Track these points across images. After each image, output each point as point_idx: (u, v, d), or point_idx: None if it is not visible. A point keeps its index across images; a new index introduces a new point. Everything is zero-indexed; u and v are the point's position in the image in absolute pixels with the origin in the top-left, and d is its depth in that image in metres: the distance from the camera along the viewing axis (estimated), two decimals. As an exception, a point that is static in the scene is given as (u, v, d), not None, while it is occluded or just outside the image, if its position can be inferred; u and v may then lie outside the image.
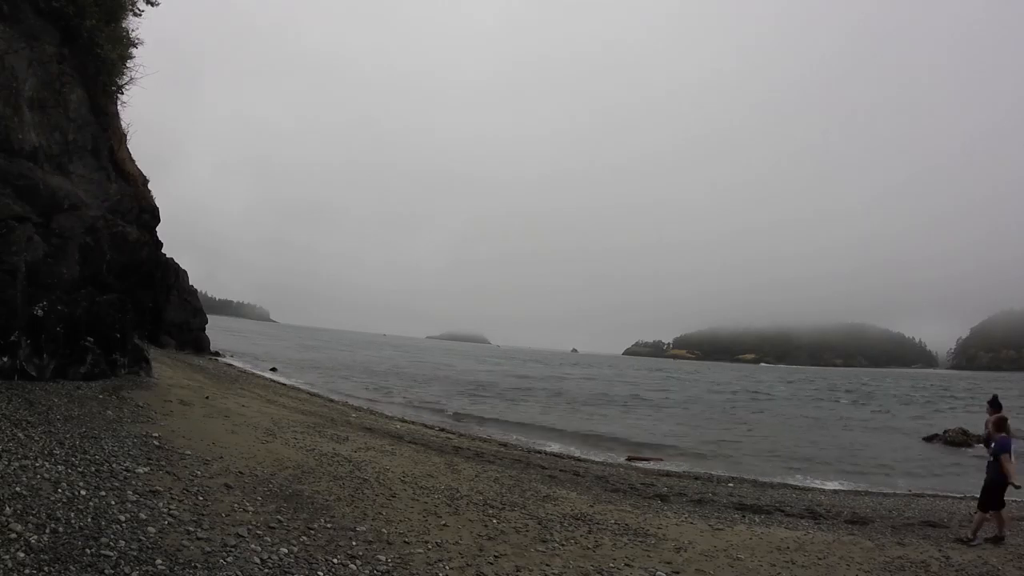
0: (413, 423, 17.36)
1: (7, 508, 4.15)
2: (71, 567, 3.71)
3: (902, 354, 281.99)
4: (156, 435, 6.93)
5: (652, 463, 15.74)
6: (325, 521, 5.49)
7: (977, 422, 28.13)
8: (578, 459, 14.91)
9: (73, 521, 4.26)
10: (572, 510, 7.48)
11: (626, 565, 5.68)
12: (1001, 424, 7.94)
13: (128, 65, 11.45)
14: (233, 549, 4.47)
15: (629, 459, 16.28)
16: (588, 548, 6.03)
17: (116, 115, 11.68)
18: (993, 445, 7.91)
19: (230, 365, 27.93)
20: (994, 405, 8.54)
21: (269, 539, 4.82)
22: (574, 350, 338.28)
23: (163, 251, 14.14)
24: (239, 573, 4.15)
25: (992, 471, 7.80)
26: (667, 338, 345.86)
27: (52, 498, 4.52)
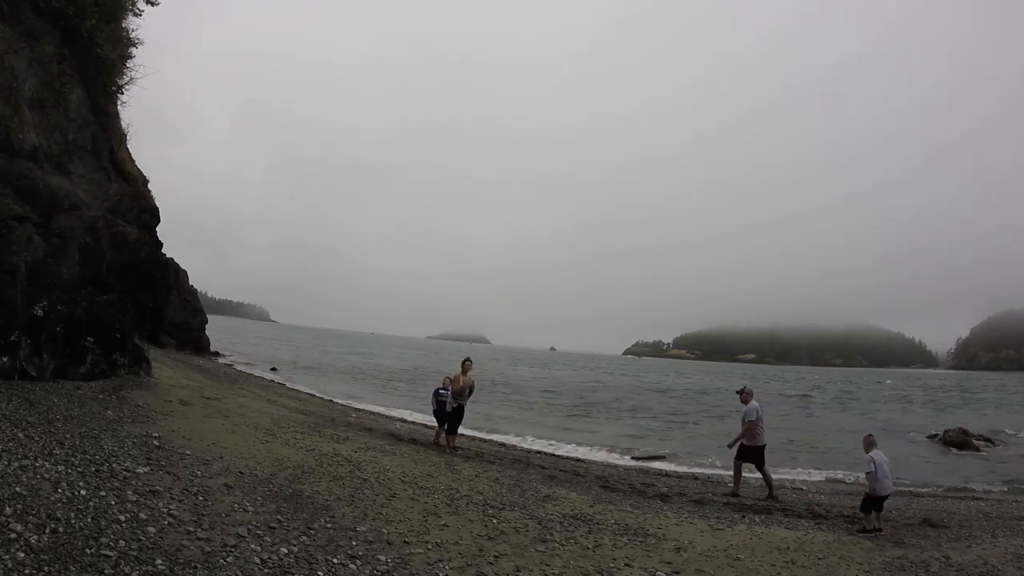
0: (413, 423, 17.36)
1: (7, 508, 4.15)
2: (71, 567, 3.71)
3: (902, 354, 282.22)
4: (156, 435, 6.93)
5: (652, 463, 15.75)
6: (325, 521, 5.49)
7: (978, 422, 28.21)
8: (578, 459, 14.91)
9: (73, 521, 4.26)
10: (572, 510, 7.47)
11: (626, 565, 5.68)
12: None
13: (128, 65, 11.47)
14: (233, 549, 4.47)
15: (633, 458, 16.30)
16: (588, 548, 6.03)
17: (116, 115, 11.70)
18: None
19: (230, 365, 27.95)
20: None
21: (269, 539, 4.82)
22: (552, 348, 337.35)
23: (163, 251, 14.15)
24: (239, 573, 4.15)
25: None
26: (667, 338, 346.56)
27: (52, 498, 4.52)
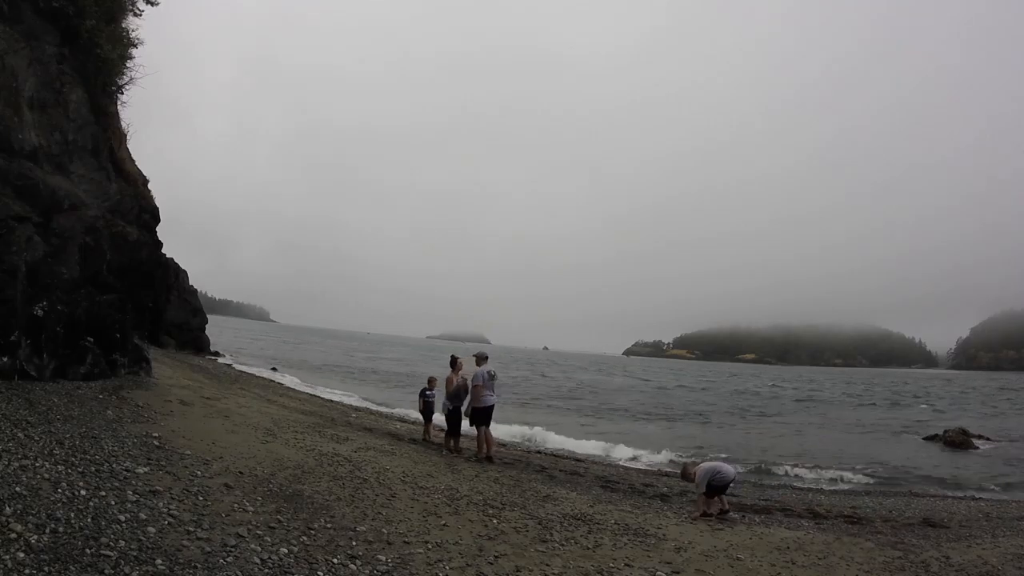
0: (413, 423, 17.35)
1: (7, 508, 4.14)
2: (71, 567, 3.70)
3: (902, 354, 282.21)
4: (156, 435, 6.93)
5: (653, 463, 15.74)
6: (325, 521, 5.49)
7: (978, 422, 28.26)
8: (578, 459, 14.91)
9: (73, 521, 4.26)
10: (572, 510, 7.48)
11: (626, 565, 5.67)
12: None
13: (128, 65, 11.47)
14: (233, 549, 4.47)
15: (633, 458, 16.29)
16: (588, 548, 6.03)
17: (116, 115, 11.70)
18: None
19: (230, 365, 27.94)
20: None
21: (269, 539, 4.82)
22: (545, 348, 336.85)
23: (163, 251, 14.14)
24: (239, 573, 4.15)
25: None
26: (667, 338, 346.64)
27: (52, 498, 4.52)
